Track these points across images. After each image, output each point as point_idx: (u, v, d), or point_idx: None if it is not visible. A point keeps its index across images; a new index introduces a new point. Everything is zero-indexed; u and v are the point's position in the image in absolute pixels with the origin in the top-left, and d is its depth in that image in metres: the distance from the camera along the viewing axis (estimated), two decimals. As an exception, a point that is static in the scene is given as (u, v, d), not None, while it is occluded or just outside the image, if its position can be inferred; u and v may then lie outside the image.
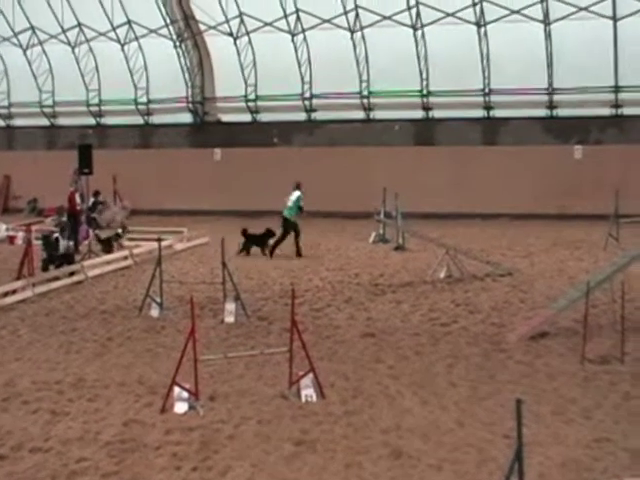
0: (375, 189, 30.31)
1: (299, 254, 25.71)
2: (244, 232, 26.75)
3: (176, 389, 11.42)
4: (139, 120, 42.51)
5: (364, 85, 39.35)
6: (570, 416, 10.95)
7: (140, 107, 42.20)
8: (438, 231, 28.69)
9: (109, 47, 41.69)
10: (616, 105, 36.79)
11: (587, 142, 36.71)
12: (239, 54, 40.46)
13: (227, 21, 39.97)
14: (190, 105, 41.92)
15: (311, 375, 11.84)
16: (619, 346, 13.64)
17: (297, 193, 26.51)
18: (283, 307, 17.65)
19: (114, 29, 41.20)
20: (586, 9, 35.43)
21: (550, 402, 11.51)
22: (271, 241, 26.31)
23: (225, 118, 42.06)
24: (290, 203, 26.35)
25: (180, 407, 11.35)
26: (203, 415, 11.15)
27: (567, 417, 10.91)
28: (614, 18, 35.58)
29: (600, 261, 23.14)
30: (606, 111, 36.99)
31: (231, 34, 40.32)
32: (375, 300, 19.02)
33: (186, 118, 42.33)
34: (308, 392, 11.77)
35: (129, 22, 41.01)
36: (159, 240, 19.85)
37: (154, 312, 17.62)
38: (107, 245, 26.96)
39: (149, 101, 42.22)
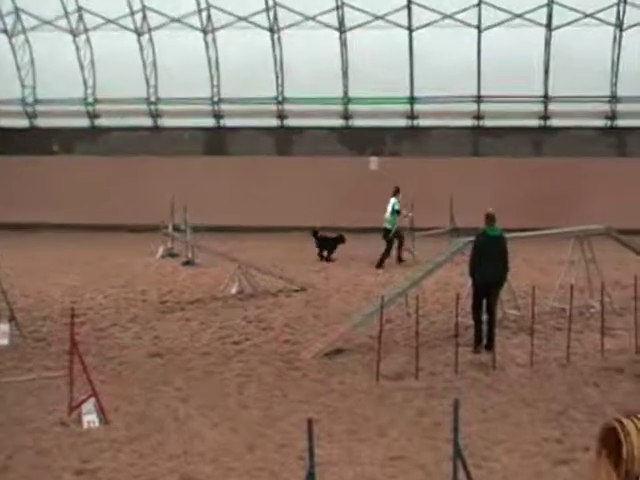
0: (163, 201, 30.14)
1: (400, 260, 26.72)
2: (315, 233, 27.74)
3: (-58, 419, 10.96)
4: None
5: (152, 91, 39.10)
6: (365, 435, 11.21)
7: None
8: (229, 245, 28.83)
9: None
10: (412, 116, 38.13)
11: (383, 153, 37.83)
12: (15, 53, 39.36)
13: (1, 17, 38.83)
14: (-40, 109, 40.45)
15: (93, 399, 11.61)
16: (414, 361, 14.10)
17: (392, 200, 26.90)
18: (63, 327, 17.16)
19: None
20: (382, 18, 36.57)
21: (344, 421, 11.74)
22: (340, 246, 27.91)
23: (-1, 123, 40.83)
24: (387, 214, 26.86)
25: (-54, 439, 10.89)
26: (-27, 447, 10.74)
27: (361, 436, 11.16)
28: (409, 28, 36.89)
29: (395, 275, 23.85)
30: (402, 122, 38.28)
31: (6, 32, 39.18)
32: (163, 318, 18.89)
33: (-47, 123, 40.81)
34: (90, 418, 11.53)
35: None
36: None
37: None
38: None
39: None
